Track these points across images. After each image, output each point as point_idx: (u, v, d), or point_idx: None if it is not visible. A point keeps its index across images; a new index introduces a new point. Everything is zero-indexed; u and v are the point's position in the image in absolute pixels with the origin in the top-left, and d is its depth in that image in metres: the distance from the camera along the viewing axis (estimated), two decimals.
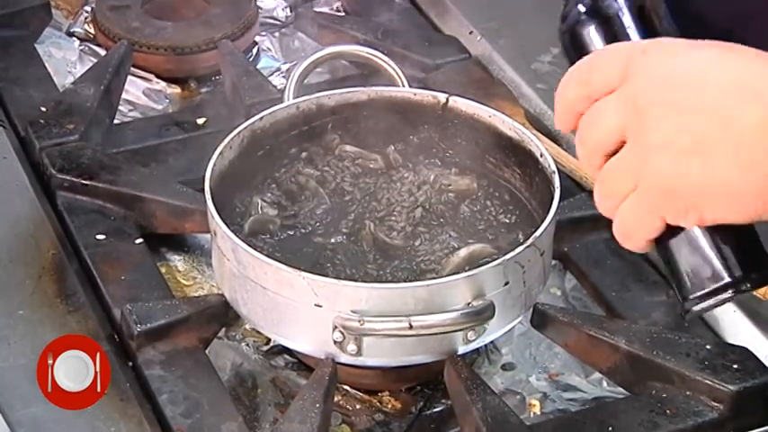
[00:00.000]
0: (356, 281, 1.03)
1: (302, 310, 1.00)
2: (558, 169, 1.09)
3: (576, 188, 1.23)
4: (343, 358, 1.02)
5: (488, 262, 1.02)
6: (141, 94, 1.42)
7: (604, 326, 1.08)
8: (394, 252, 1.09)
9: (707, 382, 1.02)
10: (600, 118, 0.83)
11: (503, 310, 1.02)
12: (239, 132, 1.13)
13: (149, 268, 1.15)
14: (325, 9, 1.56)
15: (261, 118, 1.15)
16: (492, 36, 1.44)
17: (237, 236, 1.03)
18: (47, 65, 1.41)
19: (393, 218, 1.11)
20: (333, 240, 1.09)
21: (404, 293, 0.99)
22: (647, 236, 0.84)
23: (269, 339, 1.12)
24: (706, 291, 0.85)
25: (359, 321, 0.98)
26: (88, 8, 1.51)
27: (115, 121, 1.34)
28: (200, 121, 1.33)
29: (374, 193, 1.14)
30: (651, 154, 0.80)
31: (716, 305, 0.86)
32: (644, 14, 0.87)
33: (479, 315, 1.00)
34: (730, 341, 1.10)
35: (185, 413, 1.01)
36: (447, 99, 1.18)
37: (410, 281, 1.05)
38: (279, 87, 1.34)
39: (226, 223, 1.04)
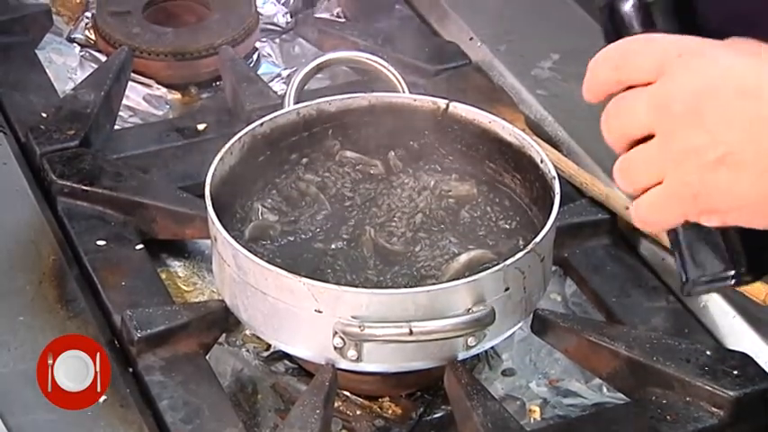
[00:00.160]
0: (356, 287, 1.03)
1: (302, 316, 1.00)
2: (558, 175, 1.09)
3: (576, 194, 1.23)
4: (344, 364, 1.02)
5: (489, 268, 1.02)
6: (142, 99, 1.42)
7: (604, 331, 1.08)
8: (394, 258, 1.09)
9: (707, 387, 1.02)
10: (630, 110, 0.83)
11: (503, 315, 1.02)
12: (240, 138, 1.13)
13: (150, 274, 1.15)
14: (325, 15, 1.56)
15: (261, 124, 1.15)
16: (492, 42, 1.44)
17: (238, 241, 1.03)
18: (47, 71, 1.41)
19: (393, 223, 1.11)
20: (333, 246, 1.09)
21: (404, 299, 0.99)
22: (666, 227, 0.85)
23: (269, 345, 1.12)
24: (710, 277, 0.86)
25: (359, 327, 0.98)
26: (89, 14, 1.51)
27: (116, 127, 1.34)
28: (201, 126, 1.33)
29: (374, 199, 1.14)
30: (679, 159, 0.80)
31: (716, 290, 0.87)
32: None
33: (480, 321, 1.00)
34: (730, 347, 1.09)
35: (185, 419, 1.01)
36: (447, 105, 1.18)
37: (410, 287, 1.05)
38: (279, 93, 1.34)
39: (226, 229, 1.04)
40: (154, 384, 1.04)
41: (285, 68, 1.49)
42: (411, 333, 0.98)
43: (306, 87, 1.22)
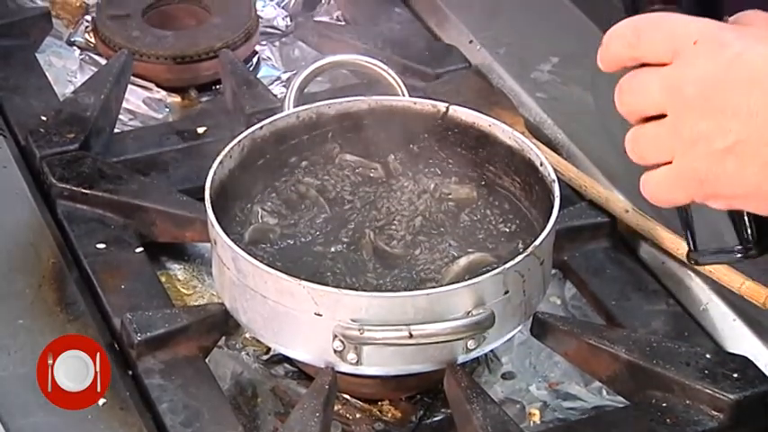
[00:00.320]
0: (356, 290, 1.03)
1: (302, 319, 1.00)
2: (557, 178, 1.09)
3: (575, 197, 1.23)
4: (343, 367, 1.02)
5: (488, 271, 1.02)
6: (141, 103, 1.42)
7: (604, 335, 1.08)
8: (394, 261, 1.09)
9: (707, 390, 1.02)
10: (644, 88, 0.83)
11: (503, 319, 1.02)
12: (239, 141, 1.13)
13: (149, 277, 1.15)
14: (325, 18, 1.56)
15: (261, 127, 1.15)
16: (492, 45, 1.44)
17: (238, 245, 1.03)
18: (47, 74, 1.41)
19: (393, 227, 1.11)
20: (333, 249, 1.09)
21: (404, 302, 0.99)
22: (673, 204, 0.87)
23: (269, 348, 1.12)
24: (717, 250, 0.88)
25: (359, 330, 0.98)
26: (89, 17, 1.51)
27: (115, 130, 1.34)
28: (201, 130, 1.33)
29: (374, 202, 1.14)
30: (688, 144, 0.81)
31: (723, 262, 0.94)
32: None
33: (479, 324, 1.00)
34: (730, 350, 1.09)
35: (185, 422, 1.01)
36: (447, 108, 1.18)
37: (410, 290, 1.04)
38: (279, 96, 1.34)
39: (226, 232, 1.04)
40: (153, 387, 1.04)
41: (285, 72, 1.49)
42: (411, 336, 0.98)
43: (305, 90, 1.22)
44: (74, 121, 1.29)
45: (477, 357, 1.08)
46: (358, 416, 1.08)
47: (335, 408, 1.07)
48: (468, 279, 1.02)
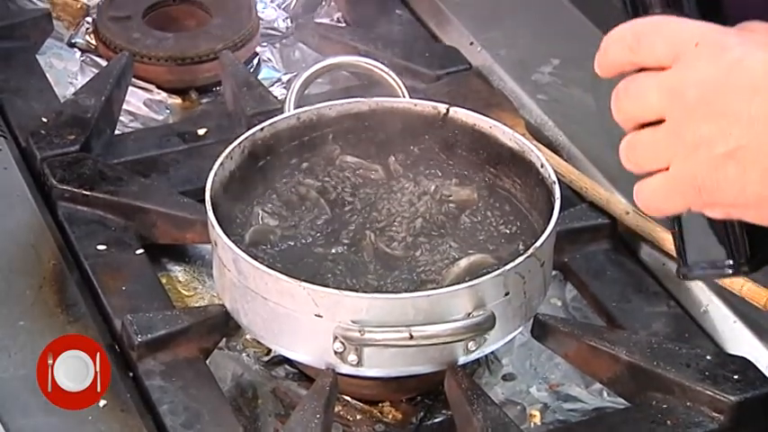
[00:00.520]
0: (357, 291, 1.03)
1: (303, 321, 1.00)
2: (558, 180, 1.09)
3: (576, 198, 1.23)
4: (344, 369, 1.02)
5: (489, 272, 1.02)
6: (142, 104, 1.42)
7: (605, 336, 1.08)
8: (394, 262, 1.09)
9: (707, 392, 1.02)
10: (642, 93, 0.82)
11: (503, 320, 1.02)
12: (240, 143, 1.13)
13: (150, 279, 1.15)
14: (325, 20, 1.56)
15: (262, 128, 1.15)
16: (492, 47, 1.44)
17: (238, 246, 1.03)
18: (48, 76, 1.41)
19: (394, 228, 1.11)
20: (333, 251, 1.09)
21: (404, 304, 0.99)
22: (668, 213, 0.85)
23: (269, 350, 1.12)
24: (708, 265, 0.87)
25: (359, 332, 0.98)
26: (89, 19, 1.51)
27: (116, 132, 1.34)
28: (201, 131, 1.33)
29: (375, 204, 1.14)
30: (688, 150, 0.80)
31: (713, 277, 0.91)
32: None
33: (480, 325, 1.00)
34: (731, 351, 1.09)
35: (186, 424, 1.01)
36: (447, 110, 1.18)
37: (411, 291, 1.05)
38: (280, 98, 1.34)
39: (226, 233, 1.04)
40: (154, 389, 1.04)
41: (285, 73, 1.49)
42: (411, 338, 0.98)
43: (306, 92, 1.22)
44: (74, 122, 1.29)
45: (478, 359, 1.08)
46: (358, 417, 1.08)
47: (336, 409, 1.07)
48: (469, 280, 1.02)
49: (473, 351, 1.02)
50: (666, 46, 0.81)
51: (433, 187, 1.15)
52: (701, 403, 1.02)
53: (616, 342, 1.07)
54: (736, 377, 1.03)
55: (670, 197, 0.82)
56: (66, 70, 1.47)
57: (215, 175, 1.09)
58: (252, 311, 1.04)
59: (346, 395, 1.09)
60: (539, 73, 1.40)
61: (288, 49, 1.53)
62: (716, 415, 1.02)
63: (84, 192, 1.21)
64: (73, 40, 1.51)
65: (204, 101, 1.45)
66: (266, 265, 1.02)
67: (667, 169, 0.82)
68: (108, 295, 1.12)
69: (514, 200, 1.15)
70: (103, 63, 1.45)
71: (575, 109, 1.34)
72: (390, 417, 1.09)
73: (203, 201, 1.07)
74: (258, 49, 1.50)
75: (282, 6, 1.57)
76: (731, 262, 0.85)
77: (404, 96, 1.22)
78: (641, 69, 0.82)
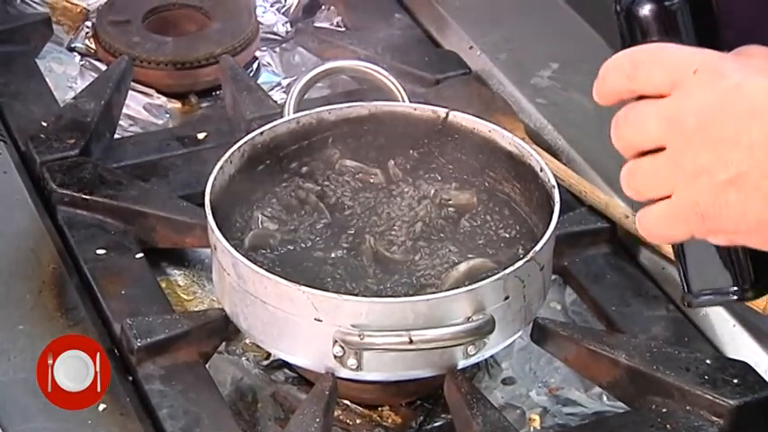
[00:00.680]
0: (356, 295, 1.03)
1: (302, 325, 1.00)
2: (557, 184, 1.09)
3: (575, 202, 1.23)
4: (344, 373, 1.02)
5: (488, 276, 1.02)
6: (142, 108, 1.43)
7: (604, 340, 1.08)
8: (394, 266, 1.09)
9: (707, 396, 1.02)
10: (641, 122, 0.81)
11: (503, 324, 1.02)
12: (240, 147, 1.13)
13: (149, 283, 1.15)
14: (325, 24, 1.56)
15: (261, 133, 1.15)
16: (492, 51, 1.44)
17: (238, 250, 1.03)
18: (47, 80, 1.41)
19: (393, 232, 1.11)
20: (333, 255, 1.09)
21: (404, 308, 0.99)
22: (671, 241, 0.85)
23: (269, 354, 1.12)
24: (712, 290, 0.86)
25: (359, 336, 0.98)
26: (89, 23, 1.51)
27: (116, 136, 1.34)
28: (201, 135, 1.33)
29: (374, 208, 1.14)
30: (689, 178, 0.79)
31: (718, 304, 0.90)
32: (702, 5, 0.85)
33: (479, 330, 1.00)
34: (730, 355, 1.09)
35: (185, 428, 1.01)
36: (447, 114, 1.18)
37: (410, 295, 1.05)
38: (279, 102, 1.34)
39: (226, 238, 1.04)
40: (154, 393, 1.04)
41: (285, 77, 1.49)
42: (411, 342, 0.98)
43: (306, 96, 1.22)
44: (74, 126, 1.29)
45: (478, 363, 1.08)
46: (358, 421, 1.08)
47: (336, 413, 1.07)
48: (469, 285, 1.02)
49: (473, 355, 1.02)
50: (664, 74, 0.81)
51: (432, 191, 1.15)
52: (700, 407, 1.02)
53: (615, 346, 1.07)
54: (735, 381, 1.03)
55: (673, 225, 0.82)
56: (66, 74, 1.47)
57: (214, 179, 1.09)
58: (251, 315, 1.04)
59: (346, 399, 1.09)
60: (538, 77, 1.40)
61: (287, 53, 1.53)
62: (715, 419, 1.02)
63: (84, 196, 1.21)
64: (72, 45, 1.51)
65: (204, 105, 1.45)
66: (266, 270, 1.02)
67: (669, 197, 0.81)
68: (107, 299, 1.12)
69: (514, 204, 1.15)
70: (103, 67, 1.45)
71: (574, 113, 1.34)
72: (390, 421, 1.09)
73: (203, 205, 1.07)
74: (258, 54, 1.50)
75: (282, 11, 1.57)
76: (736, 288, 0.85)
77: (403, 101, 1.22)
78: (641, 97, 0.82)
